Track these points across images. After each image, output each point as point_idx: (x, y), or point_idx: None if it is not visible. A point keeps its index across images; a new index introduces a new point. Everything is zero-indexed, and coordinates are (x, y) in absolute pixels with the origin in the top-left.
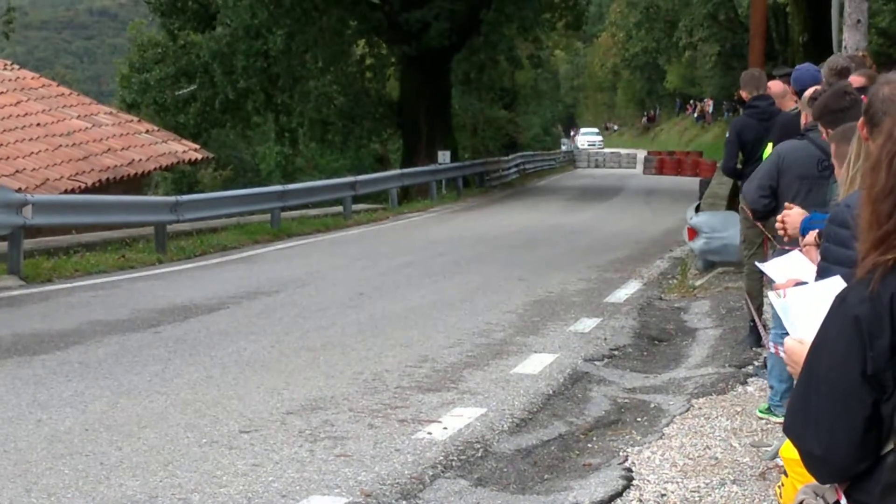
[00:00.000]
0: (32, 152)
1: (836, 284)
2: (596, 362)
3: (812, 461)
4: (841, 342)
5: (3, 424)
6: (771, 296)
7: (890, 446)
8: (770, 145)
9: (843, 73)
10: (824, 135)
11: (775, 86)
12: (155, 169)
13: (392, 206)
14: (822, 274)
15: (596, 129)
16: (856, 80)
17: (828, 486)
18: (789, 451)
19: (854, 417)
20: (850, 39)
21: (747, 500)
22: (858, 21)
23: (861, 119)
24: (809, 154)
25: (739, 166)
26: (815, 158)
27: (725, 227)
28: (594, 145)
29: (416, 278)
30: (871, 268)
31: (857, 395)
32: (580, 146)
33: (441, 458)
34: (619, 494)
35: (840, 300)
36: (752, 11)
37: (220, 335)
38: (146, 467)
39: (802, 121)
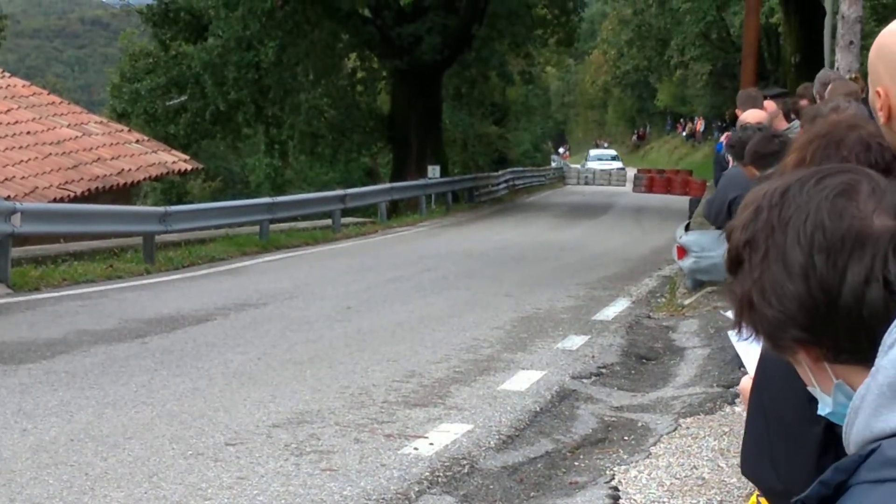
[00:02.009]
0: (22, 160)
1: None
2: (583, 380)
3: (777, 498)
4: (781, 372)
5: None
6: (731, 334)
7: None
8: None
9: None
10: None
11: (767, 106)
12: (145, 179)
13: (381, 220)
14: None
15: (612, 152)
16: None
17: None
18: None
19: (810, 444)
20: (843, 61)
21: None
22: (851, 42)
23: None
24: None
25: None
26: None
27: (715, 247)
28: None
29: (404, 293)
30: None
31: (807, 421)
32: (588, 168)
33: (427, 473)
34: None
35: None
36: (745, 31)
37: (208, 347)
38: (131, 479)
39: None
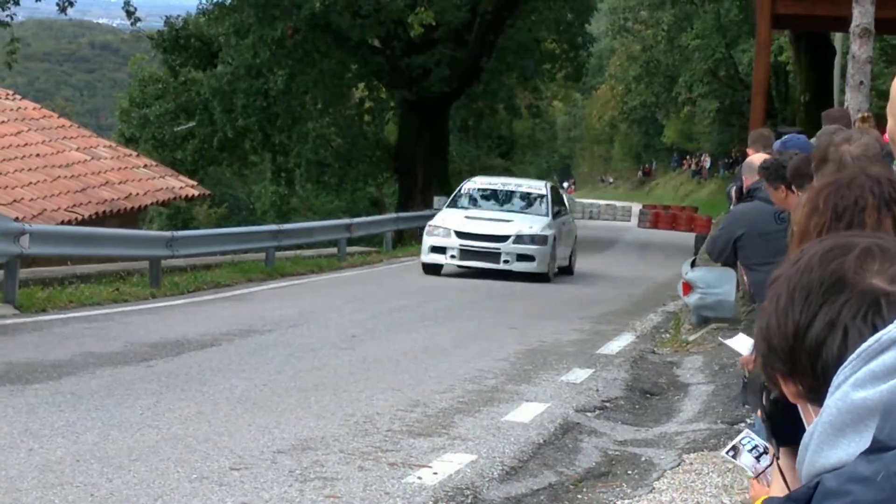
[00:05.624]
0: (31, 182)
1: None
2: (587, 413)
3: None
4: None
5: None
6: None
7: None
8: None
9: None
10: (794, 195)
11: None
12: (152, 204)
13: (386, 250)
14: None
15: (537, 184)
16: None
17: None
18: None
19: None
20: (853, 100)
21: None
22: (861, 83)
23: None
24: (765, 211)
25: None
26: (770, 213)
27: (720, 284)
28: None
29: (408, 322)
30: None
31: None
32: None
33: (430, 503)
34: None
35: None
36: (755, 69)
37: (213, 371)
38: (136, 500)
39: (745, 184)
